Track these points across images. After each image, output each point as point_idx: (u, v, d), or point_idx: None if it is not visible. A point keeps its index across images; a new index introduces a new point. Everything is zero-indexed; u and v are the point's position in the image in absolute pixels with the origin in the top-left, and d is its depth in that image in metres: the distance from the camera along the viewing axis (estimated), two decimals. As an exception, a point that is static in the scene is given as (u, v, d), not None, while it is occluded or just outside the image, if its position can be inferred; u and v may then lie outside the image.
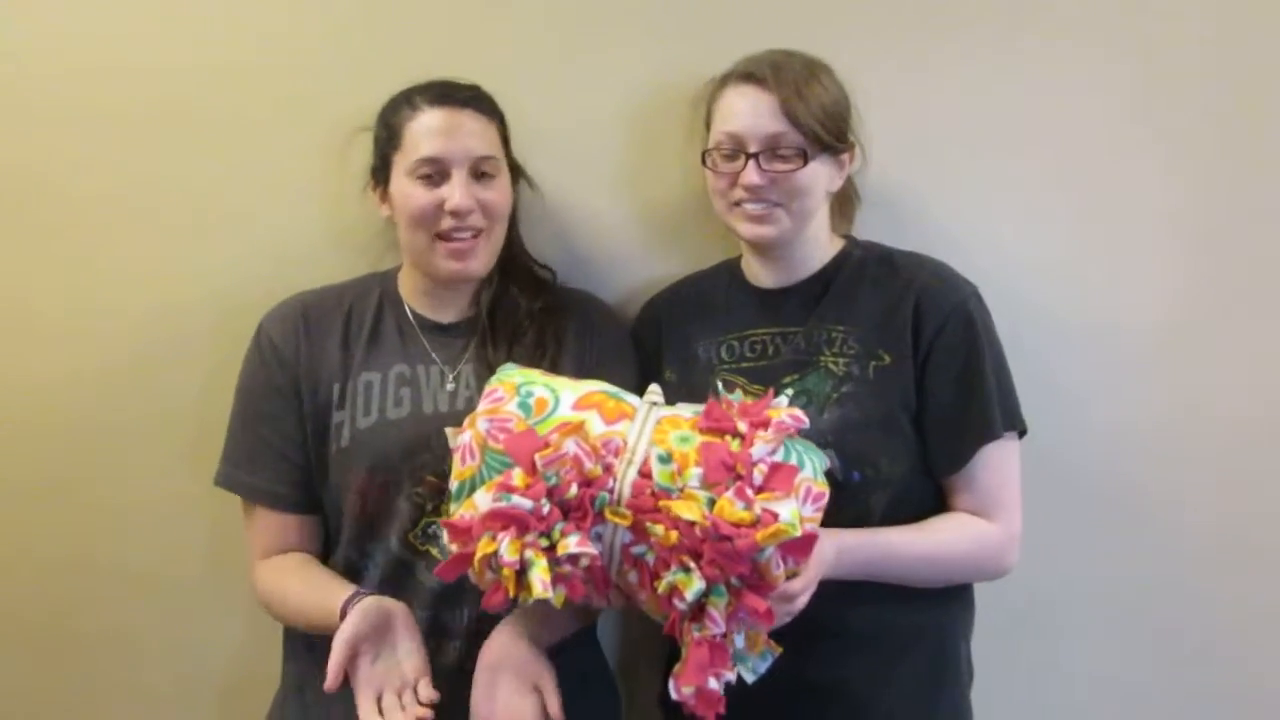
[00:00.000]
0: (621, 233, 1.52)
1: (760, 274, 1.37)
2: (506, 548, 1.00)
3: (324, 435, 1.31)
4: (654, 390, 1.16)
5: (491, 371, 1.24)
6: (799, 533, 0.99)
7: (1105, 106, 1.44)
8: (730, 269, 1.43)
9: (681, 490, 1.02)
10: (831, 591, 1.12)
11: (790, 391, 1.11)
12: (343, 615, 1.16)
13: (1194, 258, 1.46)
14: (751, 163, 1.25)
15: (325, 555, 1.36)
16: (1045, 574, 1.45)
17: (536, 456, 1.03)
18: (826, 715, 1.27)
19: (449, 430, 1.16)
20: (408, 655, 1.15)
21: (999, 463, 1.26)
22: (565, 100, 1.48)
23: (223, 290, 1.51)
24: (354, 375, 1.32)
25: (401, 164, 1.29)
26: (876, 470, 1.24)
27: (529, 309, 1.36)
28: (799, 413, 1.07)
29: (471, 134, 1.29)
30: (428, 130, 1.28)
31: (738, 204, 1.29)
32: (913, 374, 1.26)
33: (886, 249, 1.36)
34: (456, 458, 1.11)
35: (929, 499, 1.28)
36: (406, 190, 1.28)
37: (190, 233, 1.52)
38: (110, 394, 1.54)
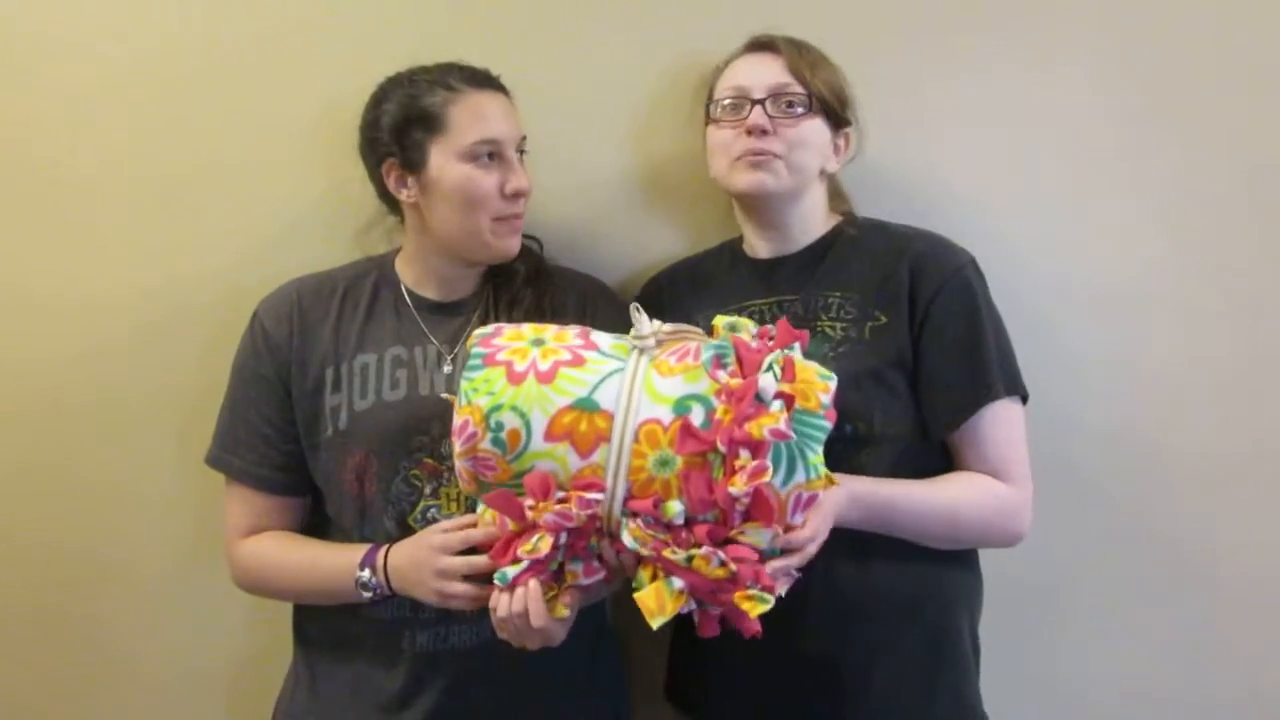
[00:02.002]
0: (623, 215, 1.53)
1: (757, 245, 1.39)
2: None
3: (317, 419, 1.31)
4: (639, 338, 1.10)
5: None
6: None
7: (1104, 91, 1.46)
8: (731, 247, 1.45)
9: (668, 527, 1.02)
10: (824, 558, 1.10)
11: (782, 354, 1.05)
12: (366, 566, 1.22)
13: (1188, 227, 1.47)
14: (758, 107, 1.28)
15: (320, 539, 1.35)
16: (1053, 544, 1.45)
17: (521, 550, 1.05)
18: (822, 689, 1.26)
19: (446, 395, 1.16)
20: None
21: (1005, 426, 1.26)
22: (566, 82, 1.48)
23: (218, 273, 1.51)
24: (349, 358, 1.31)
25: (449, 147, 1.27)
26: (870, 425, 1.24)
27: (526, 275, 1.37)
28: (782, 425, 0.98)
29: (514, 116, 1.32)
30: (480, 113, 1.28)
31: (739, 158, 1.30)
32: (908, 335, 1.26)
33: (882, 221, 1.38)
34: (457, 467, 1.11)
35: (931, 467, 1.27)
36: (463, 173, 1.26)
37: (186, 216, 1.51)
38: (107, 377, 1.54)
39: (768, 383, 1.00)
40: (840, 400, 1.08)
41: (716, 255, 1.46)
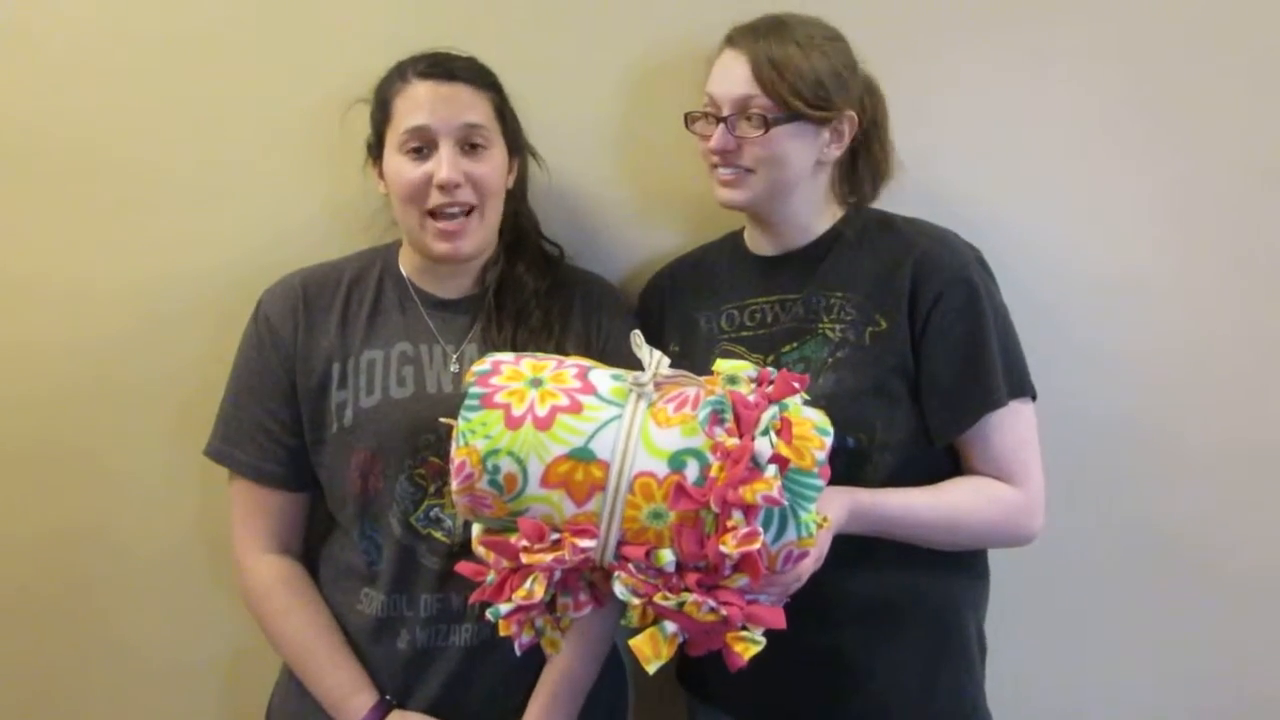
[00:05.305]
0: (627, 208, 1.51)
1: (760, 242, 1.36)
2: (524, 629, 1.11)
3: (322, 415, 1.30)
4: (637, 384, 1.09)
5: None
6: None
7: (1112, 82, 1.45)
8: (734, 240, 1.42)
9: (660, 572, 1.03)
10: (829, 557, 1.12)
11: (779, 411, 1.04)
12: None
13: (1195, 217, 1.47)
14: (721, 126, 1.25)
15: (322, 537, 1.36)
16: (1059, 537, 1.43)
17: (515, 595, 1.06)
18: (822, 683, 1.28)
19: (445, 420, 1.15)
20: None
21: (1011, 428, 1.24)
22: (566, 76, 1.46)
23: (223, 262, 1.49)
24: (355, 354, 1.31)
25: (392, 138, 1.27)
26: (871, 437, 1.23)
27: (535, 289, 1.34)
28: (775, 492, 0.98)
29: (459, 103, 1.26)
30: (415, 102, 1.25)
31: (715, 166, 1.28)
32: (909, 340, 1.25)
33: (888, 215, 1.34)
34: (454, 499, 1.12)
35: (934, 471, 1.26)
36: (396, 165, 1.26)
37: (190, 205, 1.50)
38: (110, 366, 1.53)
39: (763, 447, 0.99)
40: (840, 414, 1.09)
41: (718, 249, 1.43)
